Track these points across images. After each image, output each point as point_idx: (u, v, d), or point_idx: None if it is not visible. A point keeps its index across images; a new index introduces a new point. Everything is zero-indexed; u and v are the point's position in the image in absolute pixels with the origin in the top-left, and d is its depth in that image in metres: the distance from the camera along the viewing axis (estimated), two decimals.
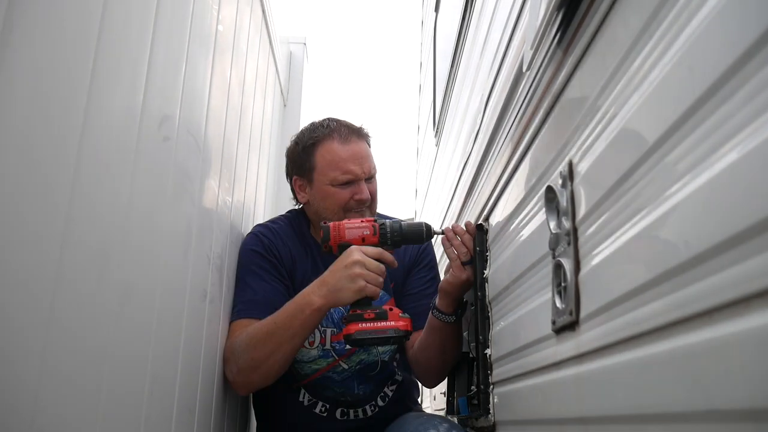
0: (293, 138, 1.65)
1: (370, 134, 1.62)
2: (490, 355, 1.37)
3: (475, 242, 1.45)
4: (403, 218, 1.50)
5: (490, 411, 1.34)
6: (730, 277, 0.49)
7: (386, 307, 1.36)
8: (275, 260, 1.55)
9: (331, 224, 1.41)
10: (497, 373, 1.31)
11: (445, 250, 1.42)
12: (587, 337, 0.79)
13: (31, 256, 0.64)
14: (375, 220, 1.42)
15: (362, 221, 1.42)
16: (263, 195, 2.15)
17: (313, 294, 1.35)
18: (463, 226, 1.44)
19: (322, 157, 1.54)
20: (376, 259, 1.36)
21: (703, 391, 0.53)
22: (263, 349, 1.37)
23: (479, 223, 1.51)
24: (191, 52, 1.13)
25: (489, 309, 1.41)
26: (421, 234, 1.42)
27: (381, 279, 1.35)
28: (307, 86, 3.07)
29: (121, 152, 0.85)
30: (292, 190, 1.66)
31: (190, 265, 1.19)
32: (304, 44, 3.02)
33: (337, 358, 1.56)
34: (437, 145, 3.02)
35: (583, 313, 0.81)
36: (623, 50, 0.72)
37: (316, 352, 1.56)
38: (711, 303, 0.51)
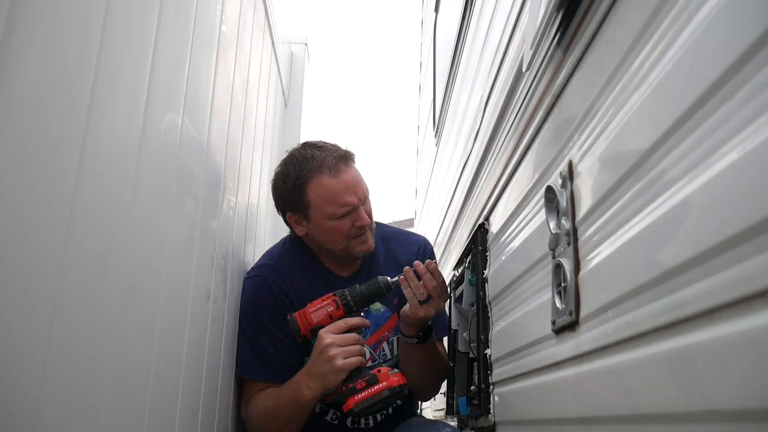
0: (277, 173, 1.59)
1: (354, 153, 1.59)
2: (490, 355, 1.37)
3: (477, 242, 1.46)
4: (359, 283, 1.51)
5: (490, 411, 1.34)
6: (730, 277, 0.49)
7: (374, 372, 1.39)
8: (286, 309, 1.54)
9: (295, 315, 1.44)
10: (497, 373, 1.31)
11: (403, 289, 1.44)
12: (587, 337, 0.79)
13: (34, 257, 0.64)
14: (334, 294, 1.45)
15: (323, 300, 1.45)
16: (266, 195, 2.16)
17: (302, 386, 1.41)
18: (424, 264, 1.45)
19: (316, 194, 1.50)
20: (347, 331, 1.40)
21: (703, 391, 0.53)
22: (272, 427, 1.47)
23: (479, 222, 1.51)
24: (194, 52, 1.13)
25: (489, 309, 1.41)
26: (381, 291, 1.46)
27: (358, 347, 1.39)
28: (308, 87, 3.07)
29: (124, 152, 0.85)
30: (288, 224, 1.62)
31: (193, 265, 1.19)
32: (306, 44, 3.02)
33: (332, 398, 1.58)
34: (437, 145, 3.02)
35: (583, 313, 0.81)
36: (623, 50, 0.72)
37: None
38: (711, 303, 0.51)
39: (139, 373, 0.93)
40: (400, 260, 1.65)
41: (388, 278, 1.45)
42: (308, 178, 1.50)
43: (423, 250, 1.71)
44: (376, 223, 1.66)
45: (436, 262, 1.46)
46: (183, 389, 1.14)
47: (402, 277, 1.45)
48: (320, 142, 1.58)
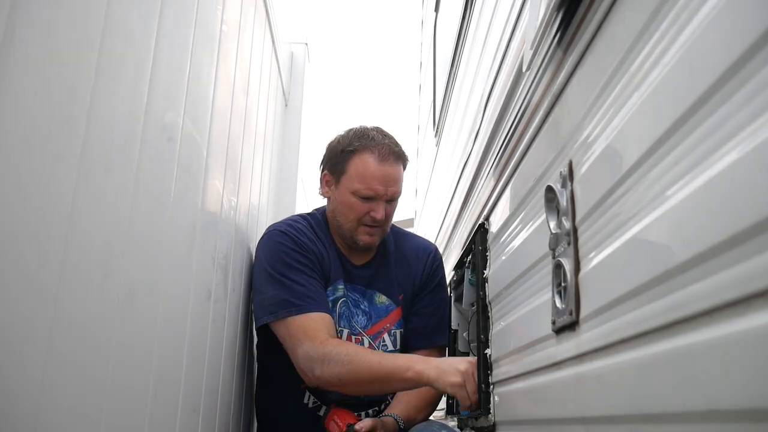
0: (337, 135, 1.67)
1: (408, 159, 1.67)
2: (490, 355, 1.37)
3: (477, 242, 1.46)
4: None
5: (490, 411, 1.34)
6: (730, 277, 0.49)
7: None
8: (309, 256, 1.59)
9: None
10: (497, 373, 1.31)
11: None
12: (587, 337, 0.79)
13: (34, 257, 0.64)
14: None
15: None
16: (266, 195, 2.16)
17: (423, 363, 1.40)
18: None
19: (355, 166, 1.59)
20: None
21: (703, 391, 0.53)
22: (356, 384, 1.45)
23: (479, 222, 1.51)
24: (195, 52, 1.13)
25: (489, 309, 1.41)
26: None
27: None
28: (309, 87, 3.07)
29: (125, 153, 0.85)
30: (320, 180, 1.69)
31: (194, 265, 1.19)
32: (306, 45, 3.02)
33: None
34: (437, 144, 3.02)
35: (583, 313, 0.81)
36: (623, 50, 0.72)
37: None
38: (711, 303, 0.51)
39: (139, 373, 0.93)
40: (410, 260, 1.74)
41: None
42: (358, 149, 1.59)
43: (433, 258, 1.78)
44: (392, 225, 1.73)
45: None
46: (184, 389, 1.14)
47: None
48: (389, 133, 1.66)
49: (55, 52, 0.68)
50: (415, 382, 1.41)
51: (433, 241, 2.32)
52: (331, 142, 1.68)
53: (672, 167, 0.60)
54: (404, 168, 1.66)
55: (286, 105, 2.77)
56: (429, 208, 3.40)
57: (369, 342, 1.64)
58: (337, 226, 1.65)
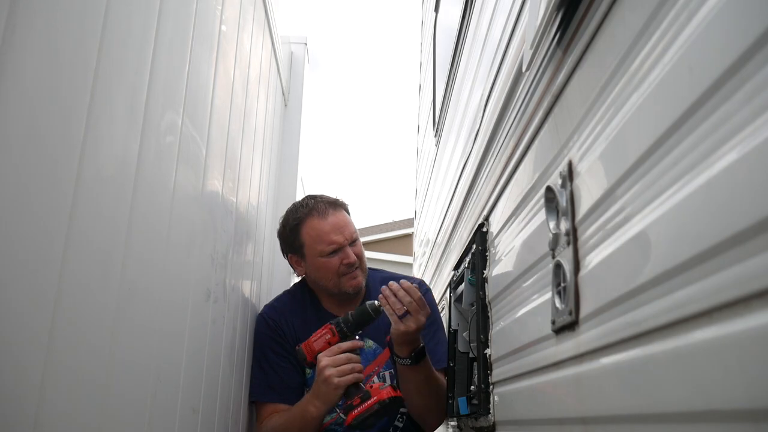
0: (280, 220, 1.85)
1: (346, 203, 1.84)
2: (490, 355, 1.37)
3: (477, 242, 1.46)
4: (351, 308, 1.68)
5: (490, 411, 1.34)
6: (730, 277, 0.49)
7: (367, 387, 1.58)
8: (281, 339, 1.77)
9: (301, 345, 1.64)
10: (497, 373, 1.31)
11: (383, 308, 1.58)
12: (587, 337, 0.79)
13: (34, 257, 0.64)
14: (330, 323, 1.63)
15: (322, 330, 1.63)
16: (265, 195, 2.16)
17: (309, 404, 1.59)
18: (398, 283, 1.59)
19: (308, 234, 1.75)
20: (342, 353, 1.57)
21: (703, 391, 0.53)
22: None
23: (479, 222, 1.51)
24: (194, 51, 1.13)
25: (489, 309, 1.41)
26: (368, 313, 1.61)
27: (350, 365, 1.56)
28: (309, 86, 3.07)
29: (124, 152, 0.85)
30: (291, 265, 1.87)
31: (193, 264, 1.19)
32: (305, 44, 3.01)
33: (338, 410, 1.72)
34: (437, 144, 3.02)
35: (582, 313, 0.81)
36: (623, 50, 0.72)
37: None
38: (711, 303, 0.51)
39: (139, 373, 0.93)
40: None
41: (375, 302, 1.60)
42: (301, 220, 1.76)
43: None
44: (375, 269, 1.91)
45: (417, 285, 1.61)
46: (183, 389, 1.14)
47: (381, 296, 1.59)
48: (318, 194, 1.85)
49: (55, 52, 0.67)
50: (319, 414, 1.57)
51: (432, 241, 2.32)
52: (279, 230, 1.85)
53: (672, 167, 0.60)
54: (347, 212, 1.81)
55: (286, 105, 2.77)
56: (429, 208, 3.40)
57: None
58: (323, 288, 1.80)
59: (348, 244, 1.74)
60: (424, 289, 1.83)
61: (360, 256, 1.78)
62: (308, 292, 1.86)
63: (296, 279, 2.01)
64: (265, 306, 1.89)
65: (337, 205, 1.79)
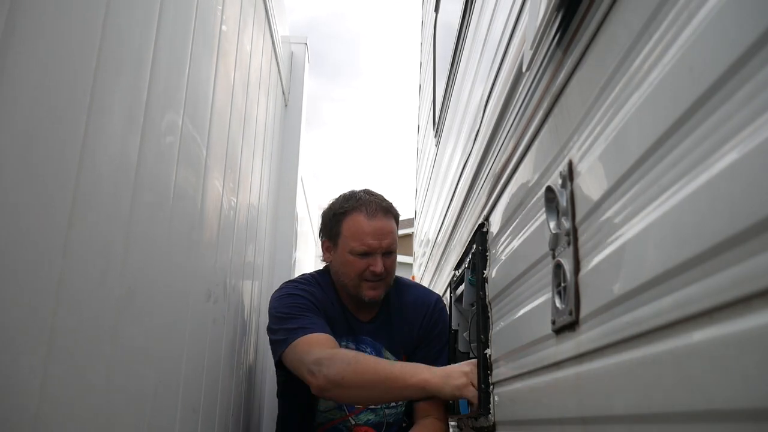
0: (330, 201, 1.81)
1: (399, 214, 1.77)
2: (490, 355, 1.37)
3: (477, 242, 1.46)
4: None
5: (490, 411, 1.34)
6: (730, 277, 0.49)
7: None
8: (318, 304, 1.69)
9: None
10: (497, 373, 1.31)
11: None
12: (587, 337, 0.79)
13: (34, 257, 0.64)
14: None
15: None
16: (266, 195, 2.16)
17: (425, 368, 1.46)
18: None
19: (348, 227, 1.71)
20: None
21: (703, 391, 0.53)
22: (359, 386, 1.47)
23: (479, 222, 1.51)
24: (195, 52, 1.13)
25: (489, 309, 1.41)
26: None
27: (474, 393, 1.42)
28: (309, 86, 3.07)
29: (124, 152, 0.85)
30: (322, 247, 1.83)
31: (194, 265, 1.19)
32: (306, 44, 3.01)
33: (348, 413, 1.71)
34: (437, 144, 3.02)
35: (582, 313, 0.81)
36: (623, 50, 0.72)
37: (332, 403, 1.72)
38: (711, 303, 0.51)
39: (139, 373, 0.93)
40: (408, 314, 1.82)
41: None
42: (348, 211, 1.72)
43: (432, 310, 1.84)
44: (396, 276, 1.82)
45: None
46: (183, 389, 1.14)
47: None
48: (377, 192, 1.79)
49: (55, 52, 0.67)
50: (419, 389, 1.44)
51: (432, 241, 2.32)
52: (324, 210, 1.81)
53: (672, 167, 0.60)
54: (396, 223, 1.75)
55: (286, 105, 2.77)
56: (429, 208, 3.40)
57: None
58: (342, 285, 1.75)
59: (381, 254, 1.70)
60: (440, 306, 1.87)
61: (389, 270, 1.74)
62: (330, 284, 1.81)
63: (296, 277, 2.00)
64: (290, 282, 1.80)
65: (388, 212, 1.75)
